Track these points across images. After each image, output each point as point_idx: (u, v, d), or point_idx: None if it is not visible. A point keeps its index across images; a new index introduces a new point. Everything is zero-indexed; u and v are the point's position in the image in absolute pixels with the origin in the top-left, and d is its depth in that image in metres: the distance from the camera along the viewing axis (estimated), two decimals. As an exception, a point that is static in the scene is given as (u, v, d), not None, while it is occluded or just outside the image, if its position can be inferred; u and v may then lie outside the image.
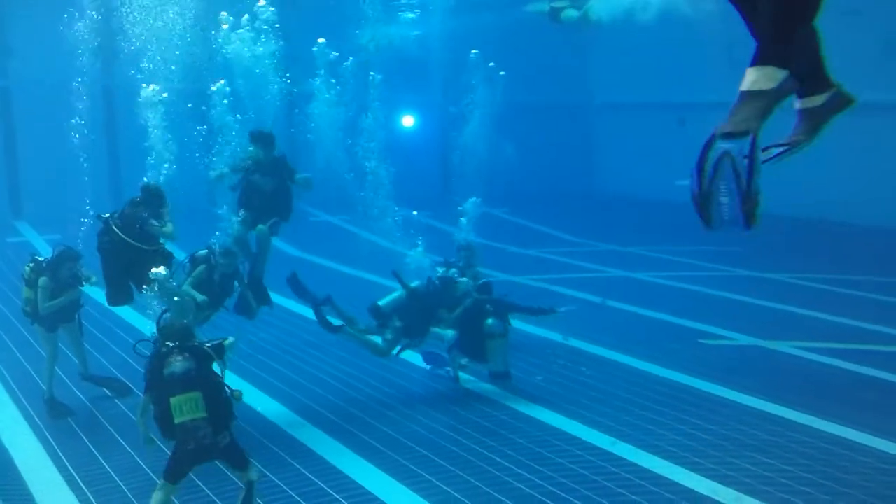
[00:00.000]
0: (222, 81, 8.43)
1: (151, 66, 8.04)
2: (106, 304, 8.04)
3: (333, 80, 9.86)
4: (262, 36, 8.68)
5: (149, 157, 7.86)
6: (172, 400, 5.15)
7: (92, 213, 8.09)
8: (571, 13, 14.70)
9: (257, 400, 8.00)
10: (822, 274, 13.08)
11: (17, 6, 17.16)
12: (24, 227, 17.26)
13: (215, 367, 5.52)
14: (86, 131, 9.81)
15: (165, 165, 7.76)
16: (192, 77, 8.39)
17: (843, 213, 15.90)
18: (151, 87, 7.96)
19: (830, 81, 2.28)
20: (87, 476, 6.44)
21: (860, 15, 13.76)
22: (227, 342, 5.79)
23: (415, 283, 8.28)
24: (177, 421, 5.13)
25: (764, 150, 2.22)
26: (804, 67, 2.20)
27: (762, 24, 2.09)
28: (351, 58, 10.38)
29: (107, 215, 7.50)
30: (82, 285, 7.75)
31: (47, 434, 7.28)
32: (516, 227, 18.15)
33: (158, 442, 5.62)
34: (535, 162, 19.84)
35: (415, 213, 9.75)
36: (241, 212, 8.16)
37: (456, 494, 6.05)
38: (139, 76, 8.04)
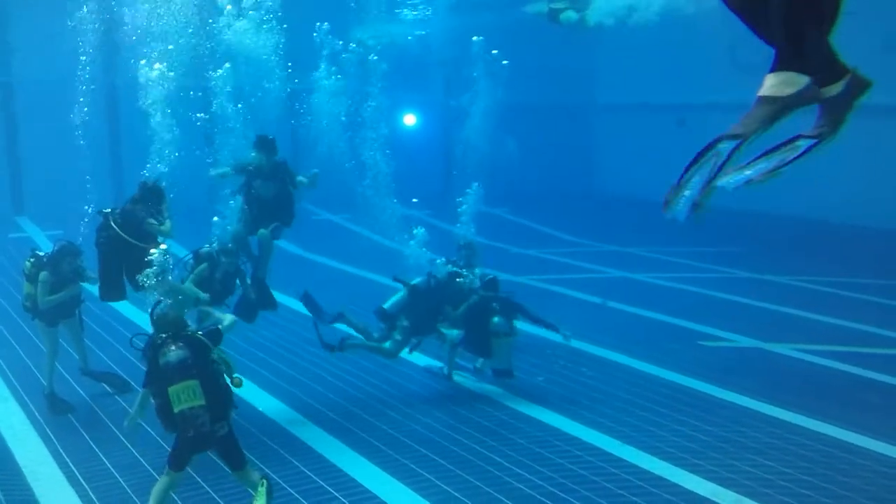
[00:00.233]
0: (227, 64, 8.37)
1: (155, 53, 8.01)
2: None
3: (335, 68, 9.82)
4: (265, 25, 8.66)
5: (151, 151, 7.83)
6: (170, 389, 5.18)
7: (93, 208, 8.09)
8: (571, 15, 14.68)
9: (257, 397, 8.00)
10: (823, 276, 13.08)
11: (19, 3, 17.16)
12: (26, 222, 17.27)
13: (215, 354, 5.54)
14: (87, 128, 9.81)
15: (165, 162, 7.73)
16: (195, 69, 8.36)
17: (845, 214, 15.89)
18: (157, 66, 7.91)
19: (845, 67, 2.23)
20: (87, 472, 6.44)
21: (855, 15, 13.67)
22: (223, 325, 5.82)
23: (415, 281, 8.28)
24: (176, 410, 5.16)
25: (788, 144, 2.20)
26: (818, 61, 2.17)
27: (779, 28, 2.07)
28: (352, 44, 10.33)
29: (107, 210, 7.49)
30: (83, 280, 7.75)
31: (48, 430, 7.28)
32: (517, 227, 18.16)
33: (149, 429, 5.61)
34: (535, 162, 19.85)
35: (414, 200, 9.71)
36: (241, 214, 8.15)
37: (455, 494, 6.05)
38: (142, 61, 7.99)
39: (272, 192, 8.18)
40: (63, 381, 8.10)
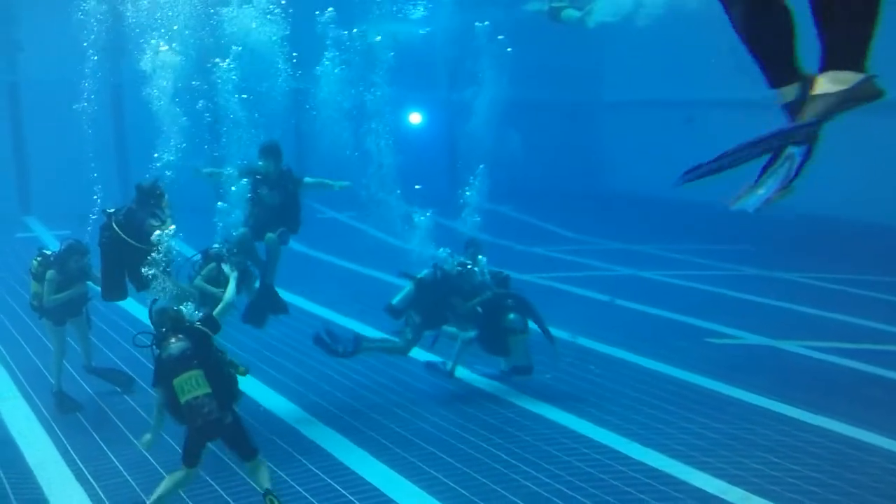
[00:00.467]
0: (236, 48, 8.32)
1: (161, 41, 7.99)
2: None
3: (338, 54, 9.76)
4: (269, 15, 8.62)
5: (158, 144, 7.83)
6: (174, 381, 5.24)
7: (99, 208, 8.11)
8: (572, 13, 14.60)
9: (265, 396, 8.02)
10: (832, 273, 13.03)
11: (24, 2, 17.22)
12: (33, 222, 17.34)
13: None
14: (93, 127, 9.83)
15: (172, 155, 7.71)
16: (199, 59, 8.34)
17: (853, 211, 15.82)
18: (163, 46, 7.89)
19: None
20: (95, 470, 6.47)
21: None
22: (216, 311, 5.86)
23: (422, 274, 8.25)
24: (182, 401, 5.22)
25: (780, 156, 2.26)
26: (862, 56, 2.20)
27: (836, 29, 2.10)
28: (356, 28, 10.26)
29: (111, 210, 7.52)
30: (89, 279, 7.77)
31: (56, 428, 7.31)
32: (523, 224, 18.14)
33: (166, 437, 5.66)
34: (542, 159, 19.83)
35: (417, 187, 9.67)
36: (247, 219, 8.13)
37: (463, 491, 6.05)
38: (152, 41, 7.96)
39: (278, 200, 8.15)
40: (71, 379, 8.13)
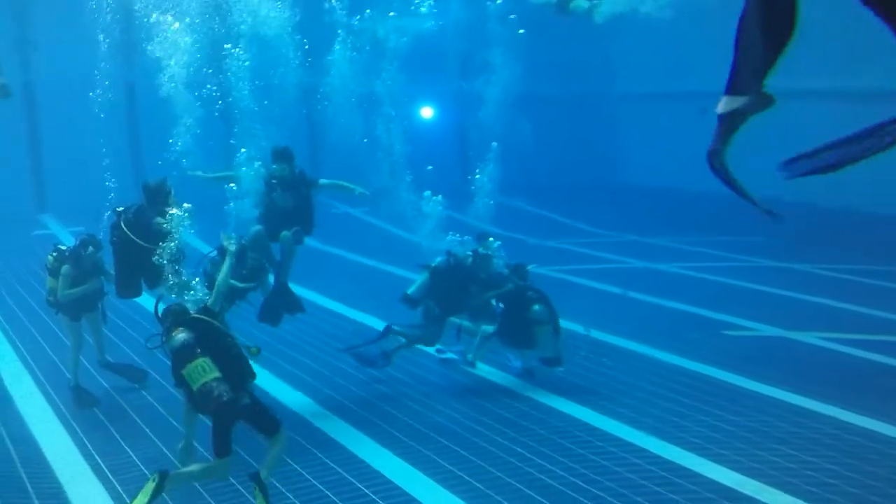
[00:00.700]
0: (245, 27, 8.33)
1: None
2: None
3: (351, 39, 9.74)
4: (279, 2, 8.62)
5: (172, 134, 7.86)
6: (184, 372, 5.34)
7: (112, 204, 8.17)
8: (581, 3, 14.49)
9: (280, 390, 8.06)
10: (848, 264, 12.93)
11: (39, 0, 17.33)
12: (49, 220, 17.48)
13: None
14: (108, 124, 9.89)
15: (184, 147, 7.73)
16: (212, 47, 8.35)
17: (870, 202, 15.67)
18: (175, 24, 7.91)
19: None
20: (113, 465, 6.52)
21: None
22: (210, 299, 5.96)
23: (436, 262, 8.22)
24: (194, 389, 5.30)
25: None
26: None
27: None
28: (367, 11, 10.23)
29: (120, 209, 7.58)
30: (102, 274, 7.82)
31: (74, 423, 7.38)
32: (535, 217, 18.10)
33: (174, 422, 5.75)
34: (554, 152, 19.77)
35: (429, 167, 9.66)
36: (261, 219, 8.16)
37: (478, 484, 6.06)
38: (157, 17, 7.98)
39: (292, 203, 8.19)
40: (88, 374, 8.20)
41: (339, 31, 9.67)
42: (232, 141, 8.35)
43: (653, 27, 15.36)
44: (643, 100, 20.69)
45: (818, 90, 14.67)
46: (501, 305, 8.33)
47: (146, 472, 6.35)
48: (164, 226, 7.12)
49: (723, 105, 2.36)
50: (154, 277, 7.45)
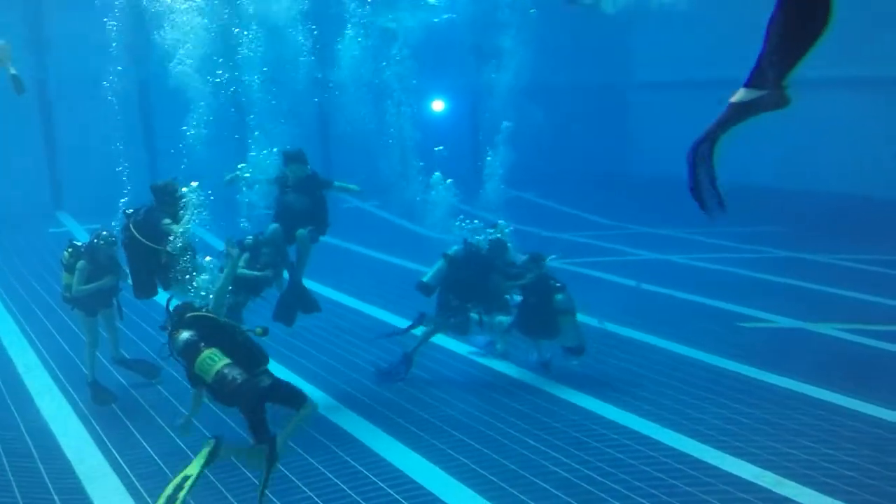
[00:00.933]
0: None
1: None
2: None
3: (361, 35, 9.73)
4: None
5: (186, 128, 7.89)
6: (195, 369, 5.40)
7: (128, 203, 8.21)
8: None
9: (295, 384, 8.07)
10: (865, 254, 12.79)
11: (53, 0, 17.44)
12: (65, 217, 17.62)
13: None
14: (122, 121, 9.93)
15: (199, 140, 7.76)
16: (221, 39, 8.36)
17: (888, 190, 15.50)
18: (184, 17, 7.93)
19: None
20: (130, 460, 6.57)
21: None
22: (213, 300, 6.08)
23: (452, 250, 8.17)
24: (209, 381, 5.35)
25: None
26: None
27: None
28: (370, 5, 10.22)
29: (130, 211, 7.63)
30: (117, 271, 7.87)
31: (91, 419, 7.44)
32: (548, 210, 18.05)
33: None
34: (567, 143, 19.67)
35: (440, 148, 9.64)
36: (276, 217, 8.20)
37: (492, 478, 6.05)
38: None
39: (306, 205, 8.22)
40: (105, 370, 8.26)
41: (349, 22, 9.66)
42: (236, 135, 8.37)
43: (666, 15, 15.25)
44: (659, 89, 20.54)
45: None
46: (517, 297, 8.28)
47: (163, 466, 6.40)
48: (171, 226, 7.15)
49: (739, 95, 2.33)
50: (167, 278, 7.51)
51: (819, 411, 7.05)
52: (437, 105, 20.94)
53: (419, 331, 8.29)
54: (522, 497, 5.76)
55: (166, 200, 7.38)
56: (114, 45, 9.91)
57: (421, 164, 9.45)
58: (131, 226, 7.39)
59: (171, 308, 5.97)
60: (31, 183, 17.67)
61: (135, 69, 13.48)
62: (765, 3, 2.33)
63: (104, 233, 7.82)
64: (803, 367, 8.03)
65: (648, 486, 5.81)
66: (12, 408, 7.73)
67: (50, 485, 6.20)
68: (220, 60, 8.33)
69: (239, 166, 8.12)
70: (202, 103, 7.87)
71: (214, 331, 5.65)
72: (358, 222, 16.28)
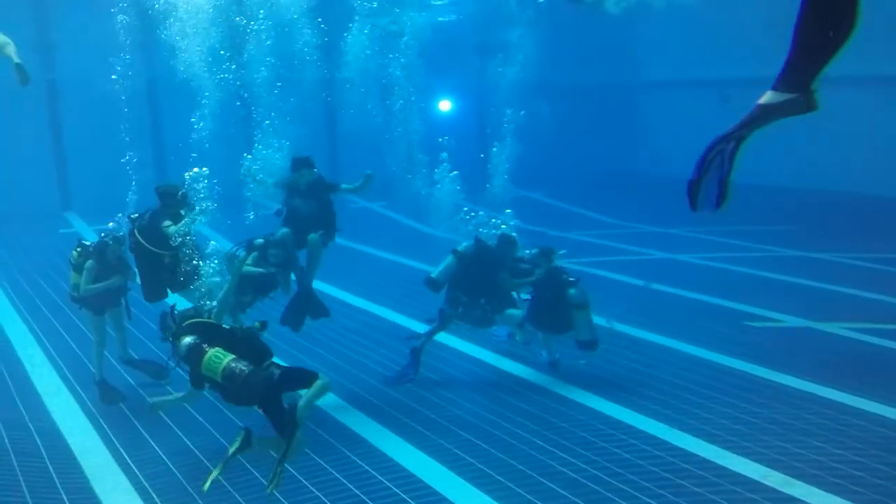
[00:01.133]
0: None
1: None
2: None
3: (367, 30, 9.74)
4: None
5: (195, 119, 7.91)
6: (202, 371, 5.49)
7: (135, 200, 8.28)
8: None
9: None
10: (874, 253, 12.72)
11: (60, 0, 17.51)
12: (74, 218, 17.69)
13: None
14: (130, 121, 9.97)
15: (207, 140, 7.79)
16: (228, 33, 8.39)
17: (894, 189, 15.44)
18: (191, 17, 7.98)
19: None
20: (138, 459, 6.60)
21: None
22: (216, 308, 6.16)
23: (462, 246, 8.15)
24: (219, 380, 5.41)
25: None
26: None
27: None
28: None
29: (135, 216, 7.68)
30: (126, 270, 7.90)
31: (99, 418, 7.48)
32: (556, 210, 18.03)
33: (198, 416, 5.82)
34: (574, 143, 19.63)
35: (445, 139, 9.65)
36: (285, 222, 8.23)
37: (499, 477, 6.05)
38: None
39: (313, 210, 8.25)
40: (112, 369, 8.30)
41: (355, 18, 9.66)
42: (244, 132, 8.38)
43: (674, 13, 15.20)
44: (665, 87, 20.49)
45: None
46: (525, 295, 8.26)
47: (170, 465, 6.43)
48: (169, 227, 7.19)
49: (766, 98, 2.31)
50: (174, 281, 7.56)
51: (826, 410, 7.02)
52: (444, 105, 20.92)
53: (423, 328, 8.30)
54: (529, 497, 5.76)
55: (169, 204, 7.43)
56: (122, 42, 9.94)
57: (427, 158, 9.45)
58: (136, 231, 7.46)
59: (174, 315, 6.04)
60: (39, 184, 17.75)
61: (143, 68, 13.54)
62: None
63: (114, 234, 7.86)
64: (811, 366, 8.00)
65: (656, 486, 5.80)
66: (21, 407, 7.77)
67: (58, 484, 6.23)
68: (229, 54, 8.36)
69: (245, 156, 8.17)
70: (209, 100, 7.89)
71: (214, 332, 5.72)
72: (365, 222, 16.29)
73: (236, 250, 7.94)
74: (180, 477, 6.25)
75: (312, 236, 8.15)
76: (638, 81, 21.41)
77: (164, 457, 6.62)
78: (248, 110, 8.59)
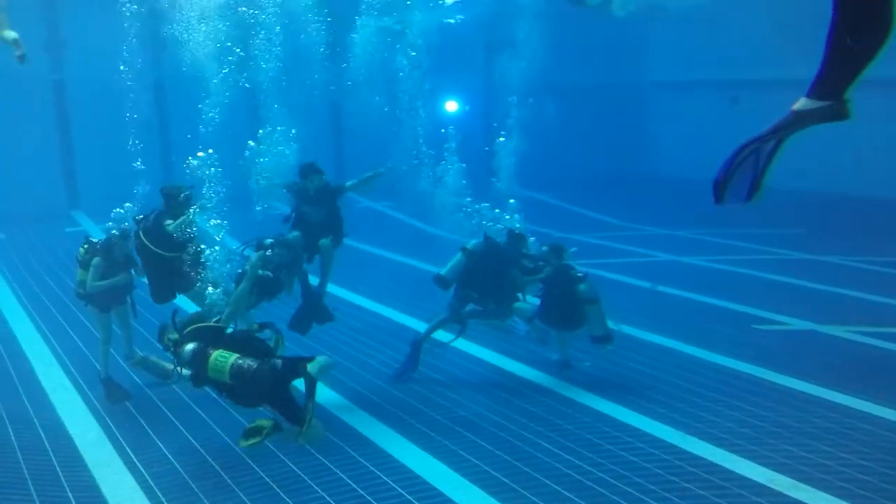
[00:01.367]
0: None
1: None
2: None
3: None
4: None
5: (201, 108, 7.95)
6: (208, 374, 5.51)
7: (140, 203, 8.30)
8: None
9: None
10: (882, 256, 12.67)
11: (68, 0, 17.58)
12: (81, 216, 17.75)
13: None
14: (137, 121, 10.01)
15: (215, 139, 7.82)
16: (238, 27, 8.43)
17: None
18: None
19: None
20: (144, 458, 6.61)
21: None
22: (223, 315, 6.28)
23: (471, 243, 8.10)
24: (227, 380, 5.44)
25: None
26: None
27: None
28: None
29: (139, 217, 7.70)
30: (133, 267, 7.92)
31: (106, 417, 7.49)
32: (563, 211, 18.00)
33: (203, 414, 5.85)
34: (582, 144, 19.60)
35: (451, 128, 9.67)
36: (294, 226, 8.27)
37: (504, 479, 6.04)
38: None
39: (322, 216, 8.31)
40: (119, 367, 8.31)
41: (360, 16, 9.68)
42: (249, 127, 8.40)
43: (683, 13, 15.14)
44: (673, 89, 20.45)
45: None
46: (530, 296, 8.24)
47: (176, 464, 6.44)
48: (170, 226, 7.21)
49: (800, 104, 2.31)
50: (180, 283, 7.59)
51: (833, 414, 6.99)
52: (451, 105, 20.91)
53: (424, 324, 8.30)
54: (534, 498, 5.74)
55: (173, 205, 7.47)
56: (130, 40, 9.98)
57: (433, 152, 9.46)
58: (141, 232, 7.49)
59: (175, 322, 6.10)
60: (46, 182, 17.80)
61: (150, 66, 13.56)
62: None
63: (122, 231, 7.88)
64: (817, 369, 7.97)
65: (661, 489, 5.78)
66: (27, 403, 7.79)
67: (64, 481, 6.24)
68: (237, 49, 8.39)
69: (249, 143, 8.20)
70: (216, 96, 7.93)
71: (213, 336, 5.76)
72: (371, 223, 16.31)
73: (244, 250, 7.96)
74: (185, 475, 6.26)
75: (324, 241, 8.20)
76: (645, 82, 21.37)
77: (169, 455, 6.63)
78: (256, 101, 8.61)
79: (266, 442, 6.13)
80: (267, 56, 8.54)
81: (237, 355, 5.54)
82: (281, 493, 5.83)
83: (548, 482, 5.98)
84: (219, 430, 7.00)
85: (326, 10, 9.29)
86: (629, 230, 16.19)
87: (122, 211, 7.98)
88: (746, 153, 2.38)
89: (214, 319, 6.27)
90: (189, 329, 5.94)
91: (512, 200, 8.44)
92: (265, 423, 5.80)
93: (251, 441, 5.69)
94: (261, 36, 8.54)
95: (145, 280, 7.92)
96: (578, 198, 18.74)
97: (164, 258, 7.59)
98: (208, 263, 7.23)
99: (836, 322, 9.60)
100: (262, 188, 8.27)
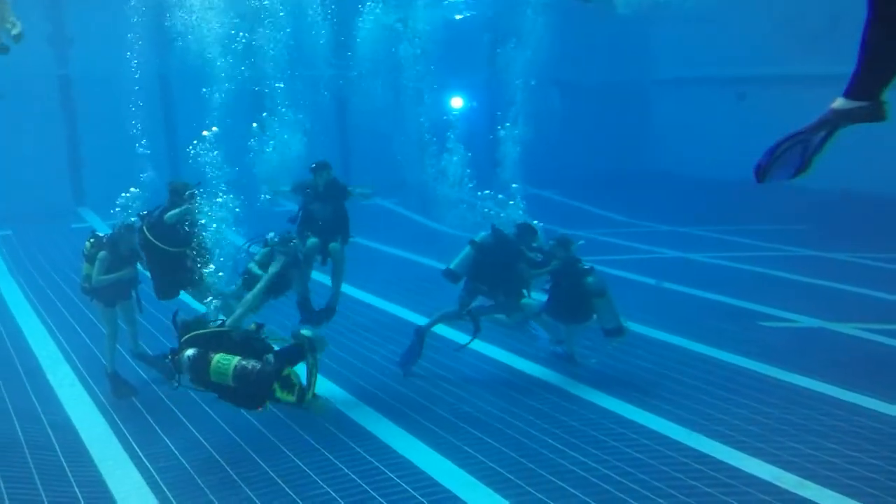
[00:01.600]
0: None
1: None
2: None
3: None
4: None
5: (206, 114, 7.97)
6: (211, 378, 5.52)
7: (147, 183, 8.34)
8: None
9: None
10: (889, 252, 12.61)
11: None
12: (87, 213, 17.79)
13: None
14: (143, 117, 10.02)
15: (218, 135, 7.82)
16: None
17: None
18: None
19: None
20: (150, 453, 6.63)
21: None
22: (233, 317, 6.34)
23: (480, 236, 8.09)
24: (231, 383, 5.44)
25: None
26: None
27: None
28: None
29: (143, 213, 7.71)
30: (139, 261, 7.93)
31: (112, 412, 7.51)
32: (568, 208, 17.97)
33: (209, 411, 5.87)
34: (587, 141, 19.56)
35: (455, 113, 9.71)
36: (301, 234, 8.30)
37: (509, 476, 6.04)
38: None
39: (329, 213, 8.38)
40: (125, 363, 8.33)
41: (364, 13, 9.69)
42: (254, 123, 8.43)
43: (686, 10, 15.08)
44: (679, 85, 20.38)
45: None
46: (534, 294, 8.23)
47: (182, 460, 6.45)
48: (168, 214, 7.23)
49: (838, 103, 2.32)
50: (185, 279, 7.60)
51: (839, 411, 6.97)
52: (456, 101, 20.88)
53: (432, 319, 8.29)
54: (540, 495, 5.74)
55: (177, 201, 7.48)
56: (136, 40, 10.00)
57: (436, 146, 9.47)
58: (145, 228, 7.50)
59: (175, 322, 6.11)
60: (52, 179, 17.84)
61: (155, 62, 13.58)
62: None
63: (128, 225, 7.89)
64: (824, 366, 7.94)
65: (667, 487, 5.77)
66: (34, 399, 7.82)
67: (70, 476, 6.26)
68: (243, 40, 8.40)
69: (253, 125, 8.23)
70: (221, 90, 7.94)
71: (212, 339, 5.76)
72: (376, 219, 16.30)
73: (249, 246, 7.96)
74: (191, 471, 6.27)
75: (334, 245, 8.26)
76: (650, 79, 21.30)
77: (174, 451, 6.65)
78: (260, 101, 8.63)
79: (271, 437, 6.15)
80: (271, 47, 8.55)
81: (239, 357, 5.53)
82: (286, 489, 5.84)
83: (553, 479, 5.97)
84: (224, 426, 7.01)
85: (332, 7, 9.30)
86: (634, 226, 16.15)
87: (127, 195, 7.98)
88: (791, 143, 2.38)
89: (216, 324, 6.26)
90: (186, 337, 5.95)
91: (515, 185, 8.42)
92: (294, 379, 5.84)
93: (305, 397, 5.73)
94: (267, 24, 8.55)
95: (149, 275, 7.93)
96: (583, 194, 18.71)
97: (168, 253, 7.60)
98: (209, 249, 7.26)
99: (843, 319, 9.56)
100: (268, 199, 8.34)
